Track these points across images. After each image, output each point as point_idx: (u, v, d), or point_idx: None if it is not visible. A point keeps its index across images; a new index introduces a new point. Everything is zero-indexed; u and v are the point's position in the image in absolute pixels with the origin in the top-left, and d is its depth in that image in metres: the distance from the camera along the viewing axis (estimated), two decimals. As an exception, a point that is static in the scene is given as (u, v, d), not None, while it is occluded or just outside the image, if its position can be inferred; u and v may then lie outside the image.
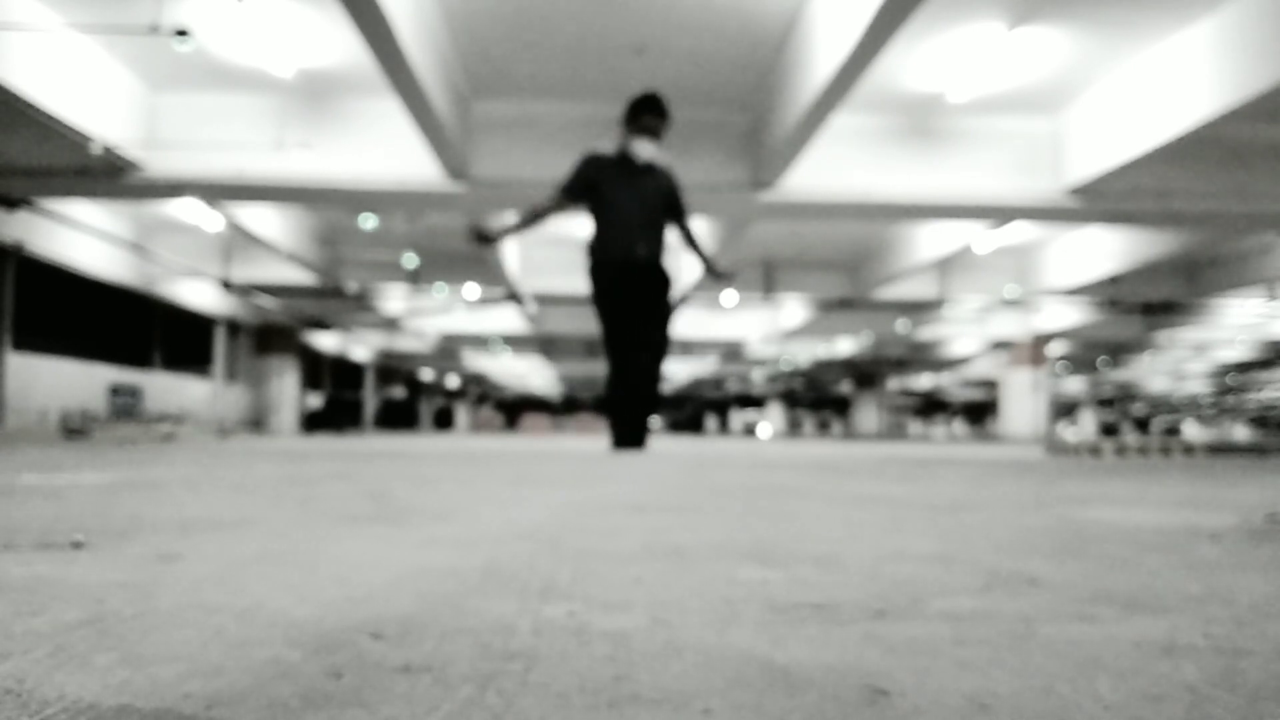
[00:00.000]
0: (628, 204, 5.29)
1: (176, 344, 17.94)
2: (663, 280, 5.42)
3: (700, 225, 6.02)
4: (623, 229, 5.29)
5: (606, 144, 5.56)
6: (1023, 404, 21.79)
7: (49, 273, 13.38)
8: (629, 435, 5.41)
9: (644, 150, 5.28)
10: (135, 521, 1.58)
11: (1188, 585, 1.06)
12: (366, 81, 9.25)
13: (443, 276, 17.58)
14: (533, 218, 5.47)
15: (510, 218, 5.78)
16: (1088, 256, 15.81)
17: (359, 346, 28.86)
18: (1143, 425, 16.99)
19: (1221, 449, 8.36)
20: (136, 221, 14.85)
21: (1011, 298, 18.21)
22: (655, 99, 5.38)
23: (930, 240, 14.35)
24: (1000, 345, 24.50)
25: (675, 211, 5.51)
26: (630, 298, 5.30)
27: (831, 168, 10.32)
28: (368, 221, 14.64)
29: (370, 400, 31.23)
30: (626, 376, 5.32)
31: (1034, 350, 21.67)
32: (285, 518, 1.68)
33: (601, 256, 5.34)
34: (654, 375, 5.40)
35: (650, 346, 5.35)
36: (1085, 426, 21.90)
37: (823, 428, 44.63)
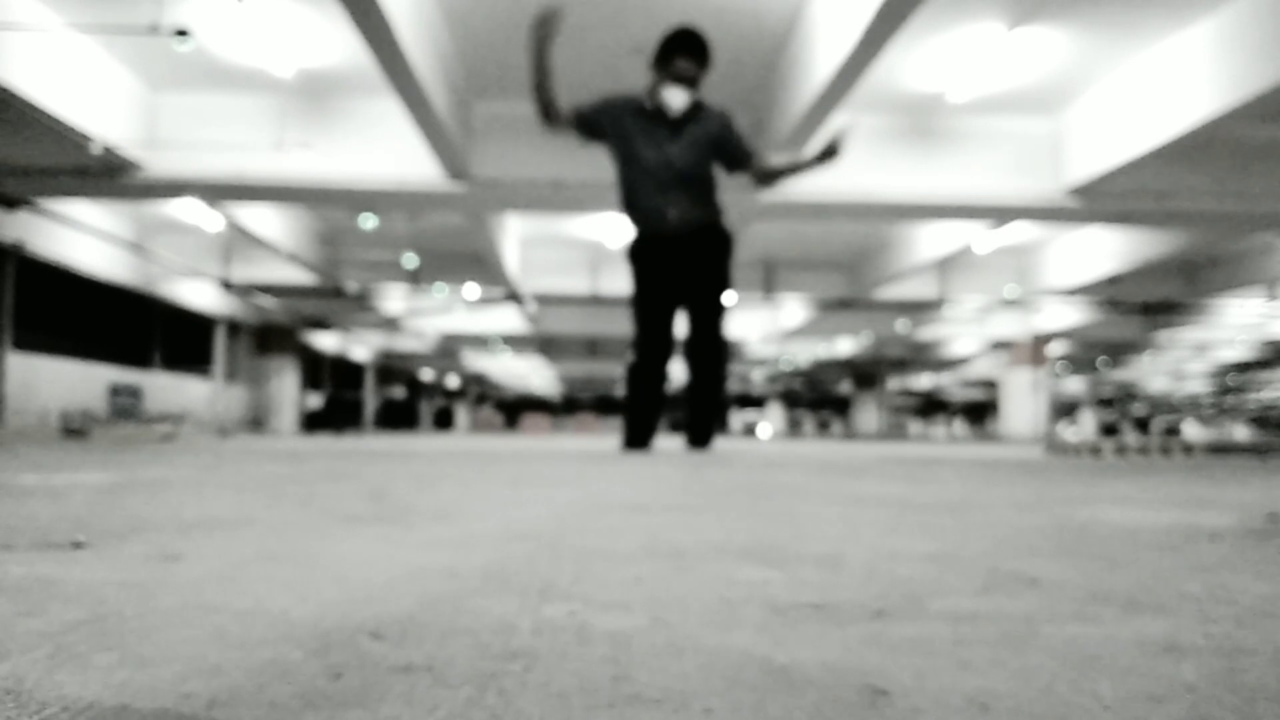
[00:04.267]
0: (655, 160, 4.50)
1: (176, 344, 17.94)
2: (706, 246, 4.61)
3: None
4: (650, 191, 4.54)
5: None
6: (1023, 404, 21.80)
7: (49, 273, 13.38)
8: (694, 434, 4.78)
9: (676, 99, 4.48)
10: (135, 521, 1.58)
11: (1188, 585, 1.05)
12: (366, 81, 9.25)
13: (443, 276, 17.59)
14: (543, 93, 4.36)
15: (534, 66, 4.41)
16: (1088, 256, 15.81)
17: (359, 346, 28.85)
18: (1143, 425, 16.98)
19: (1221, 449, 8.36)
20: (136, 221, 14.85)
21: (1011, 298, 18.21)
22: (691, 35, 4.45)
23: (930, 240, 14.35)
24: (1000, 345, 24.51)
25: (736, 158, 4.60)
26: (668, 270, 4.57)
27: (831, 168, 10.31)
28: (368, 221, 14.65)
29: (370, 400, 31.22)
30: (654, 363, 4.64)
31: (1034, 350, 21.67)
32: (285, 518, 1.68)
33: (633, 225, 4.65)
34: (717, 361, 4.69)
35: (704, 329, 4.61)
36: (1085, 426, 21.91)
37: (823, 428, 44.61)
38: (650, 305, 4.66)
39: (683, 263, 4.59)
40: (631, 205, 4.64)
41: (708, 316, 4.66)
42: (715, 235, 4.67)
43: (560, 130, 4.57)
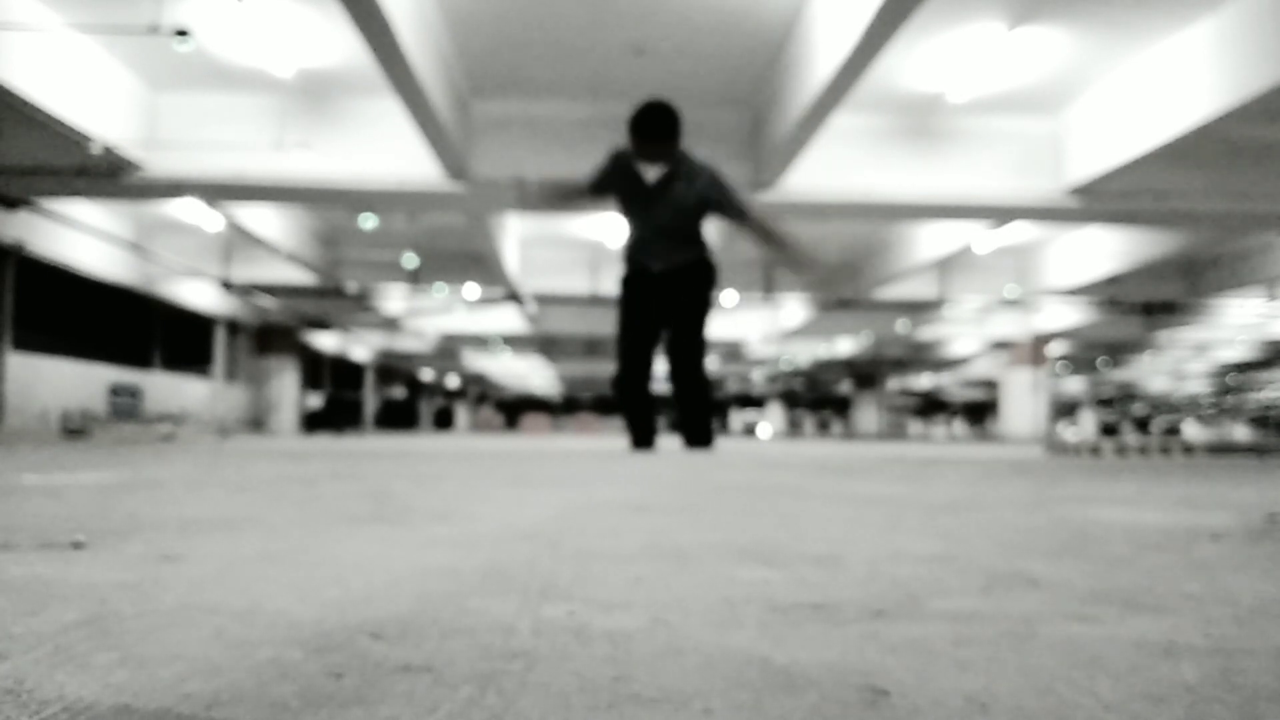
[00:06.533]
0: (646, 218, 5.04)
1: (176, 344, 17.94)
2: (686, 282, 5.10)
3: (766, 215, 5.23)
4: (641, 243, 5.10)
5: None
6: (1023, 404, 21.79)
7: (49, 273, 13.38)
8: (690, 434, 5.19)
9: (649, 173, 4.93)
10: (135, 521, 1.58)
11: (1188, 585, 1.05)
12: (366, 81, 9.25)
13: (443, 276, 17.59)
14: (560, 195, 5.50)
15: (540, 188, 5.76)
16: (1088, 256, 15.82)
17: (359, 346, 28.85)
18: (1143, 425, 16.98)
19: (1221, 449, 8.35)
20: (136, 221, 14.85)
21: (1011, 298, 18.21)
22: (653, 120, 4.80)
23: (930, 240, 14.35)
24: (1000, 345, 24.50)
25: (724, 210, 5.05)
26: (651, 304, 5.11)
27: (831, 168, 10.32)
28: (368, 221, 14.65)
29: (370, 400, 31.22)
30: (635, 377, 5.13)
31: (1034, 350, 21.66)
32: (285, 518, 1.68)
33: (627, 266, 5.19)
34: (695, 371, 5.15)
35: (684, 346, 5.11)
36: (1085, 426, 21.91)
37: (823, 428, 44.62)
38: (632, 330, 5.15)
39: (665, 294, 5.10)
40: (627, 251, 5.20)
41: (688, 331, 5.13)
42: (697, 270, 5.15)
43: (579, 203, 5.45)
